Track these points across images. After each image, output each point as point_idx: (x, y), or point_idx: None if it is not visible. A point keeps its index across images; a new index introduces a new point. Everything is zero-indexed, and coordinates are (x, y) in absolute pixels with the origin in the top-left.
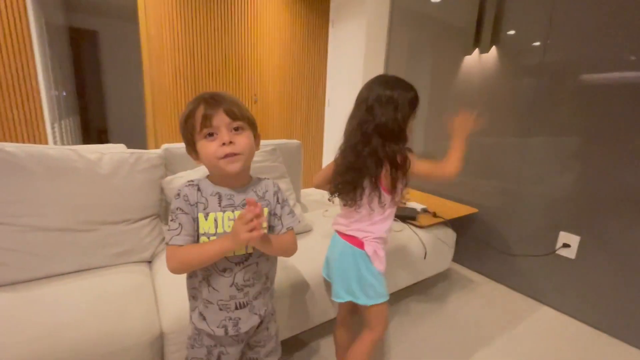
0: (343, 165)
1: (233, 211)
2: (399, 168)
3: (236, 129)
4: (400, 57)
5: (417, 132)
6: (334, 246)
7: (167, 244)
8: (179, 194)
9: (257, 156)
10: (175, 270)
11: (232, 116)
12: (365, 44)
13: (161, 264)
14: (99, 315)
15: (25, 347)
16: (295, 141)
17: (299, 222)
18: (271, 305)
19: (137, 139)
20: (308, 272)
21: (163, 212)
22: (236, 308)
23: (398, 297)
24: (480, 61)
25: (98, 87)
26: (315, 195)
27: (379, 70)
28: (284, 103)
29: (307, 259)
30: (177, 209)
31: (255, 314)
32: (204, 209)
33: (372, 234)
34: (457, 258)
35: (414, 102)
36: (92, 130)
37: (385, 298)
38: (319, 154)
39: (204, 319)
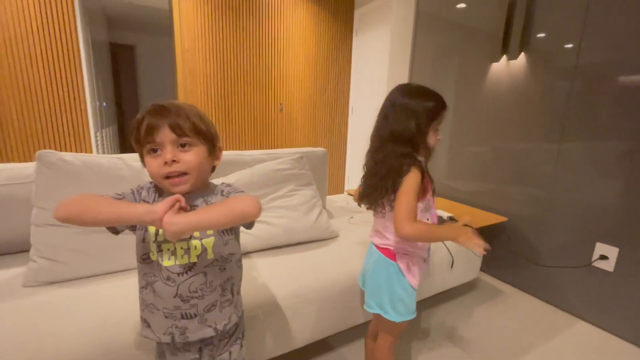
0: (366, 171)
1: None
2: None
3: (183, 145)
4: (424, 64)
5: (442, 141)
6: (369, 257)
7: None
8: (138, 189)
9: (285, 164)
10: (64, 208)
11: (178, 132)
12: (389, 52)
13: None
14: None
15: (83, 336)
16: (321, 149)
17: (243, 192)
18: (237, 320)
19: None
20: (335, 277)
21: None
22: (182, 318)
23: (424, 305)
24: (508, 68)
25: (134, 98)
26: (341, 202)
27: (403, 77)
28: (308, 111)
29: (334, 265)
30: (120, 194)
31: (209, 326)
32: None
33: (403, 248)
34: (485, 268)
35: (432, 112)
36: (128, 138)
37: (414, 315)
38: (342, 161)
39: (149, 325)
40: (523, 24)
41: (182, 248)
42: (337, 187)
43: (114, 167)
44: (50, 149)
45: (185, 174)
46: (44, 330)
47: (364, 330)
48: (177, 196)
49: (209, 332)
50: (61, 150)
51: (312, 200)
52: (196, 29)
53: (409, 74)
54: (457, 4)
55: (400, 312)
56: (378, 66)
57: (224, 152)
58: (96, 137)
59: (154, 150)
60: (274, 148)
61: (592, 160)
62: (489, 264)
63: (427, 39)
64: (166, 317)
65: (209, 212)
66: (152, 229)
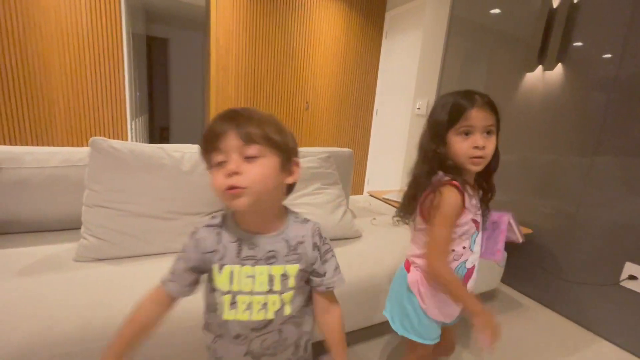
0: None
1: (254, 265)
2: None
3: (250, 156)
4: (455, 69)
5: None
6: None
7: (163, 282)
8: (194, 233)
9: (313, 162)
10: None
11: (245, 139)
12: (419, 55)
13: None
14: None
15: (125, 311)
16: (347, 150)
17: (344, 282)
18: None
19: (192, 138)
20: (358, 275)
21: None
22: None
23: None
24: (543, 79)
25: (165, 89)
26: (363, 203)
27: (432, 81)
28: (333, 110)
29: (357, 264)
30: (182, 250)
31: None
32: (220, 259)
33: (416, 264)
34: (506, 279)
35: (449, 116)
36: (156, 128)
37: (423, 340)
38: (364, 161)
39: None
40: (562, 34)
41: (259, 303)
42: (358, 187)
43: (156, 156)
44: (92, 135)
45: (244, 187)
46: (93, 300)
47: (384, 329)
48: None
49: None
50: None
51: (337, 200)
52: (231, 27)
53: (439, 78)
54: (491, 9)
55: (405, 326)
56: (406, 69)
57: None
58: (131, 126)
59: (220, 163)
60: (299, 146)
61: (625, 176)
62: (510, 276)
63: (459, 44)
64: None
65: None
66: (220, 278)
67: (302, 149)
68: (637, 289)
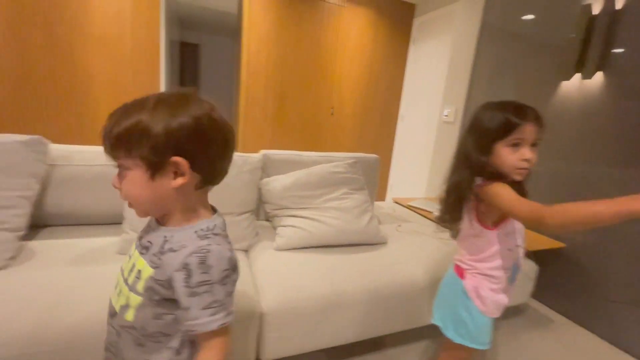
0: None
1: (137, 249)
2: (470, 197)
3: (120, 170)
4: (484, 77)
5: None
6: (448, 271)
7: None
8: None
9: (340, 167)
10: None
11: (110, 151)
12: (449, 62)
13: (255, 254)
14: None
15: None
16: (373, 156)
17: (210, 328)
18: None
19: None
20: (385, 281)
21: (256, 210)
22: None
23: None
24: (580, 88)
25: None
26: (387, 209)
27: (462, 88)
28: (357, 116)
29: (384, 269)
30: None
31: None
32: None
33: (475, 269)
34: (537, 295)
35: (501, 127)
36: None
37: (481, 346)
38: (387, 168)
39: None
40: (603, 40)
41: (119, 289)
42: (380, 193)
43: None
44: None
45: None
46: None
47: (413, 334)
48: None
49: None
50: None
51: (363, 205)
52: (262, 34)
53: (468, 85)
54: (523, 15)
55: (460, 333)
56: (433, 76)
57: (284, 151)
58: None
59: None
60: (322, 150)
61: None
62: (541, 290)
63: (490, 50)
64: None
65: None
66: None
67: (329, 154)
68: None
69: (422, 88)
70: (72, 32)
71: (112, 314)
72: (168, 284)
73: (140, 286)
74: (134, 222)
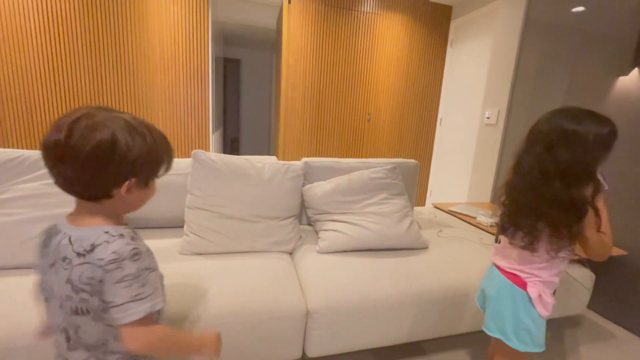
0: (514, 205)
1: None
2: (582, 218)
3: None
4: (529, 76)
5: None
6: (491, 279)
7: (142, 317)
8: (138, 253)
9: (379, 173)
10: (148, 348)
11: None
12: (489, 62)
13: (300, 256)
14: (265, 287)
15: (223, 299)
16: (413, 161)
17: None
18: None
19: (259, 148)
20: (429, 286)
21: (299, 215)
22: None
23: None
24: (639, 82)
25: (236, 105)
26: (427, 215)
27: (504, 90)
28: (394, 121)
29: (427, 274)
30: (145, 268)
31: None
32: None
33: (538, 277)
34: (594, 306)
35: (608, 140)
36: (227, 139)
37: (541, 348)
38: (426, 172)
39: None
40: None
41: None
42: (419, 199)
43: (244, 167)
44: (182, 147)
45: None
46: (199, 288)
47: (456, 341)
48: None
49: None
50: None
51: (404, 210)
52: (300, 48)
53: (511, 85)
54: (573, 7)
55: (524, 341)
56: (472, 78)
57: (323, 159)
58: (211, 138)
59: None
60: (360, 157)
61: None
62: (598, 301)
63: (535, 48)
64: None
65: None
66: None
67: (368, 160)
68: None
69: (461, 91)
70: (136, 55)
71: None
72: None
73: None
74: (194, 225)
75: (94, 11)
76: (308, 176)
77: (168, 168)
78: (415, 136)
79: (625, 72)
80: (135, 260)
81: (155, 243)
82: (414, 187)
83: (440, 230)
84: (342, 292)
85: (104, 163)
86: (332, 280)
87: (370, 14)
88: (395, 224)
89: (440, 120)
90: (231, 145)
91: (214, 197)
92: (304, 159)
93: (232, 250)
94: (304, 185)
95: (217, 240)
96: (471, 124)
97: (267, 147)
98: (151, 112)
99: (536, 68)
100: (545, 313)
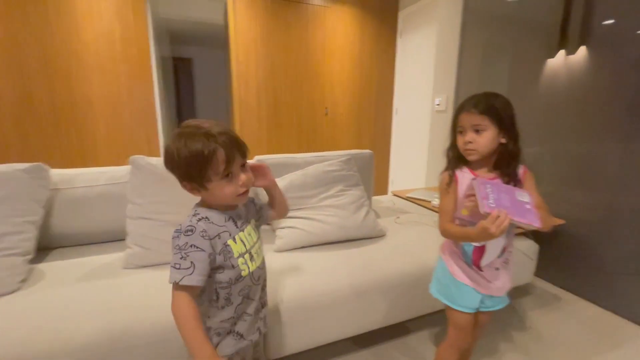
0: None
1: (246, 227)
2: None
3: (243, 165)
4: (473, 63)
5: None
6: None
7: (175, 282)
8: (192, 230)
9: (334, 165)
10: (173, 313)
11: (243, 155)
12: (435, 52)
13: None
14: None
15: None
16: (368, 151)
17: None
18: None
19: None
20: (386, 272)
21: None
22: (262, 307)
23: None
24: (566, 63)
25: (191, 106)
26: (387, 203)
27: (450, 77)
28: (352, 114)
29: (385, 261)
30: (190, 245)
31: (264, 303)
32: (230, 235)
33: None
34: (541, 273)
35: (454, 118)
36: None
37: (447, 301)
38: (386, 162)
39: (241, 336)
40: (583, 14)
41: (256, 250)
42: (382, 188)
43: None
44: (130, 154)
45: (248, 190)
46: (142, 303)
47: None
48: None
49: (266, 311)
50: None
51: (360, 200)
52: (249, 41)
53: (457, 73)
54: None
55: (435, 286)
56: (423, 66)
57: (276, 155)
58: (163, 143)
59: (227, 176)
60: (320, 151)
61: None
62: (544, 269)
63: (476, 37)
64: (254, 315)
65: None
66: (237, 247)
67: (323, 154)
68: None
69: (412, 80)
70: (67, 56)
71: (262, 264)
72: (254, 215)
73: (256, 229)
74: (137, 236)
75: (8, 5)
76: None
77: (226, 157)
78: (373, 127)
79: (553, 55)
80: (187, 235)
81: (96, 260)
82: (371, 176)
83: (398, 217)
84: (301, 288)
85: (169, 169)
86: (291, 277)
87: (320, 7)
88: (351, 215)
89: (396, 110)
90: None
91: (157, 204)
92: (256, 157)
93: None
94: None
95: (164, 250)
96: (424, 111)
97: None
98: (91, 117)
99: (479, 54)
100: (453, 270)
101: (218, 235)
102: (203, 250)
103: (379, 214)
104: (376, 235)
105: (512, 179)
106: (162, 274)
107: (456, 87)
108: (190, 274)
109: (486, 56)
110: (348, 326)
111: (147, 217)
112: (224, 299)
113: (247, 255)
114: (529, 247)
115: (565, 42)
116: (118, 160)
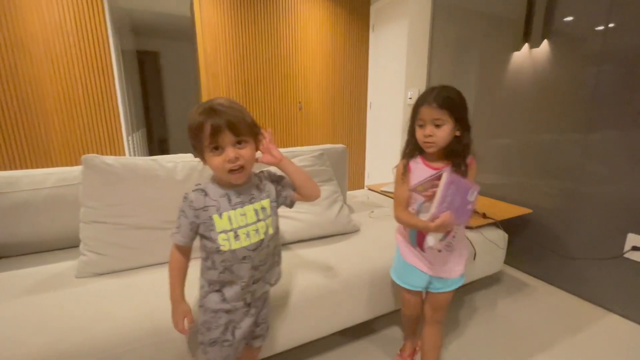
0: None
1: (242, 206)
2: None
3: (239, 142)
4: (444, 57)
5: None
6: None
7: (169, 236)
8: (185, 198)
9: (306, 161)
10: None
11: (236, 132)
12: (407, 46)
13: None
14: None
15: (131, 321)
16: (340, 145)
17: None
18: (278, 276)
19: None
20: (360, 268)
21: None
22: (253, 283)
23: None
24: (530, 56)
25: (159, 102)
26: (361, 197)
27: (421, 71)
28: (327, 108)
29: (358, 257)
30: (181, 210)
31: (267, 283)
32: (217, 210)
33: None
34: (510, 261)
35: (413, 111)
36: (155, 140)
37: (397, 281)
38: (362, 156)
39: (224, 299)
40: (545, 10)
41: (253, 230)
42: (358, 182)
43: (150, 168)
44: (91, 152)
45: (243, 167)
46: (97, 313)
47: (387, 322)
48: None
49: (267, 288)
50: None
51: (333, 196)
52: (217, 34)
53: (428, 67)
54: None
55: (393, 267)
56: (395, 61)
57: None
58: (128, 140)
59: (216, 148)
60: (295, 147)
61: (623, 149)
62: (513, 257)
63: (446, 31)
64: (242, 288)
65: (300, 170)
66: (222, 223)
67: (295, 149)
68: None
69: (386, 74)
70: (11, 48)
71: (258, 245)
72: (275, 198)
73: (268, 212)
74: (91, 242)
75: None
76: None
77: (211, 130)
78: (348, 122)
79: (518, 48)
80: (184, 201)
81: (45, 269)
82: (344, 171)
83: (372, 211)
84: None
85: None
86: None
87: (290, 0)
88: (324, 211)
89: (370, 104)
90: (159, 147)
91: (114, 206)
92: None
93: (143, 264)
94: None
95: (122, 255)
96: (397, 105)
97: None
98: (42, 114)
99: (449, 48)
100: (402, 252)
101: (204, 207)
102: (187, 218)
103: (353, 208)
104: (350, 231)
105: (460, 168)
106: (120, 281)
107: (427, 81)
108: (176, 233)
109: (456, 50)
110: (322, 325)
111: (103, 220)
112: (211, 262)
113: (231, 233)
114: (498, 237)
115: (529, 35)
116: (77, 162)
